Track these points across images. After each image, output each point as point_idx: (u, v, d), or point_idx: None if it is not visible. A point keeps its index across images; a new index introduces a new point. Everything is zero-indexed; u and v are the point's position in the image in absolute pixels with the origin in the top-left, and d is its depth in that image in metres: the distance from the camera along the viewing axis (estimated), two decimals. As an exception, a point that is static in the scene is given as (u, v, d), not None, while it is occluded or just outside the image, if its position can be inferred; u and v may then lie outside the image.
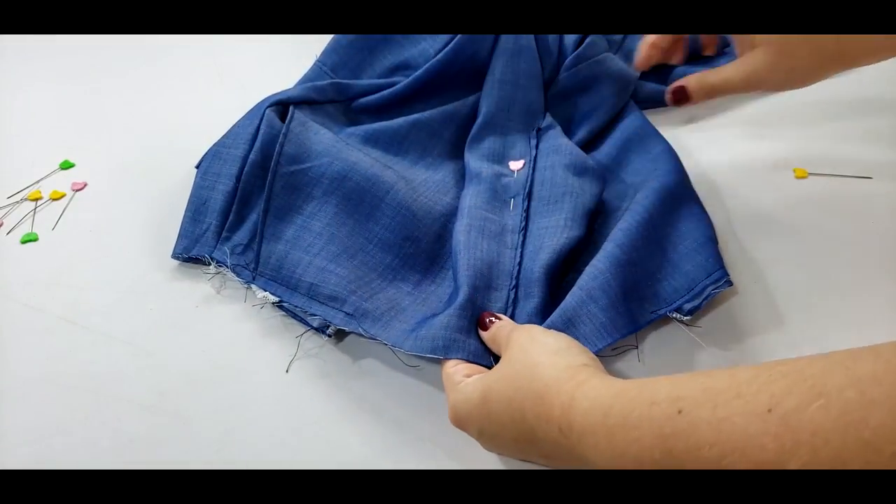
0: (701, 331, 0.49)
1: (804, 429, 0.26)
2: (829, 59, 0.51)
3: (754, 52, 0.53)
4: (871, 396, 0.25)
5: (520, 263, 0.52)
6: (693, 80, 0.57)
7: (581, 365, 0.38)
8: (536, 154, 0.60)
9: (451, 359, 0.45)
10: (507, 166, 0.61)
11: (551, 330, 0.45)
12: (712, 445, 0.28)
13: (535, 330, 0.43)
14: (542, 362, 0.38)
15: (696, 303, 0.49)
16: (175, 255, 0.55)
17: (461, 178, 0.61)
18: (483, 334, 0.47)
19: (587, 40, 0.66)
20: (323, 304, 0.50)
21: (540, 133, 0.63)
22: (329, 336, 0.49)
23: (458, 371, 0.44)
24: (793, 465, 0.26)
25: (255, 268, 0.52)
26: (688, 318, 0.49)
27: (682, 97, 0.57)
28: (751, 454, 0.27)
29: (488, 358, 0.46)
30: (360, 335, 0.48)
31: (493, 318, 0.47)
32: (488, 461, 0.43)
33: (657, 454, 0.30)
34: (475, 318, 0.48)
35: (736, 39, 0.55)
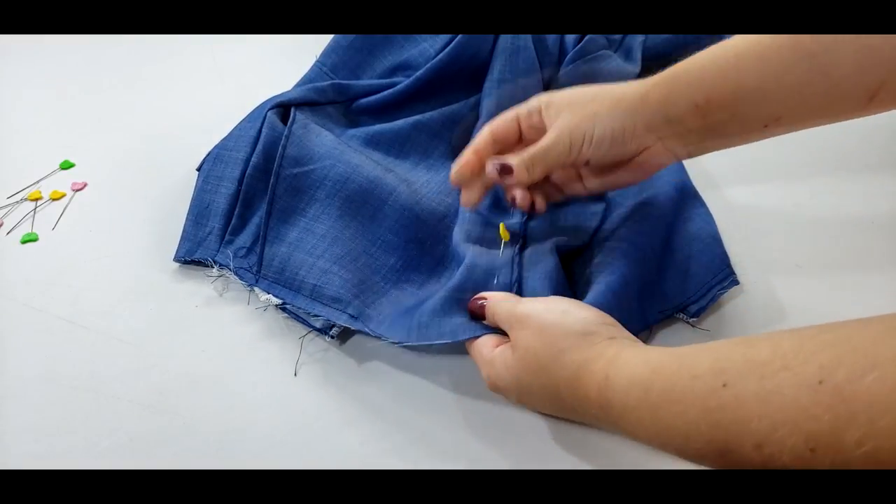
0: (707, 333, 0.49)
1: (859, 399, 0.25)
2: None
3: (561, 115, 0.48)
4: None
5: (519, 264, 0.52)
6: (514, 155, 0.49)
7: (607, 339, 0.38)
8: None
9: (462, 339, 0.45)
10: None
11: (549, 298, 0.44)
12: (762, 418, 0.28)
13: (538, 307, 0.42)
14: (565, 348, 0.38)
15: (702, 303, 0.49)
16: (177, 259, 0.54)
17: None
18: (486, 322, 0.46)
19: (586, 38, 0.66)
20: (326, 305, 0.49)
21: None
22: (332, 337, 0.49)
23: (484, 344, 0.44)
24: (849, 437, 0.25)
25: (258, 270, 0.52)
26: (694, 319, 0.49)
27: (505, 172, 0.49)
28: (804, 426, 0.26)
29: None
30: (367, 334, 0.48)
31: (481, 302, 0.45)
32: (491, 461, 0.43)
33: (703, 427, 0.30)
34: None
35: (546, 119, 0.49)
